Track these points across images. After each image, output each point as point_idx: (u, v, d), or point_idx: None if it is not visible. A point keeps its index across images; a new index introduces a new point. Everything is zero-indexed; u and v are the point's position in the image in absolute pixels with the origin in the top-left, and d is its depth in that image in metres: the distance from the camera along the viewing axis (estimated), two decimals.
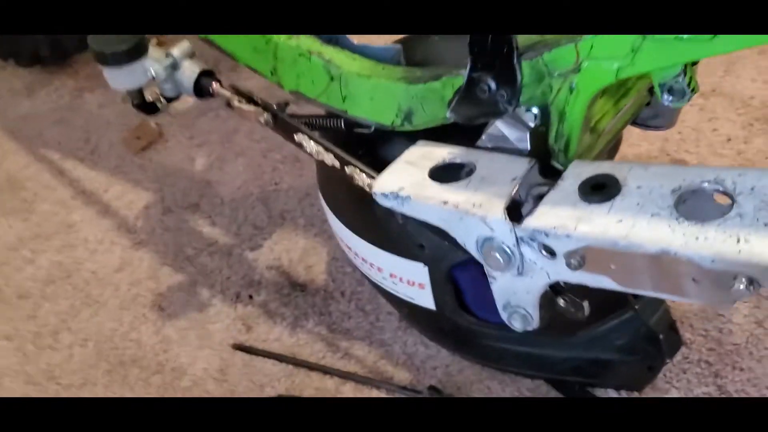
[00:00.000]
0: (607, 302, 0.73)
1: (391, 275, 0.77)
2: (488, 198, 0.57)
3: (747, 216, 0.46)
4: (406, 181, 0.61)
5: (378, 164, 0.66)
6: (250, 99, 0.71)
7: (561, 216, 0.53)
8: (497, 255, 0.56)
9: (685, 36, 0.48)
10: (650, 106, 0.73)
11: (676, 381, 0.80)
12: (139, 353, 0.91)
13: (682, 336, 0.79)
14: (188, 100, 1.25)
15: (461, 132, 0.65)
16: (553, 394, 0.81)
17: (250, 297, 0.95)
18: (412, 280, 0.76)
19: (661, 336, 0.73)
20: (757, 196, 0.47)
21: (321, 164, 0.83)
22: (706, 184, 0.50)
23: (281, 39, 0.69)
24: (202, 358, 0.90)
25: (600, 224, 0.50)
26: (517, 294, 0.59)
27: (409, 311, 0.81)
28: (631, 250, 0.49)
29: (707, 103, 1.08)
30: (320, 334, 0.90)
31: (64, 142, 1.23)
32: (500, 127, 0.61)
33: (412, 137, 0.67)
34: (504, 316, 0.62)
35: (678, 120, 0.76)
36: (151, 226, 1.06)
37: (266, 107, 0.70)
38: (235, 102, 0.71)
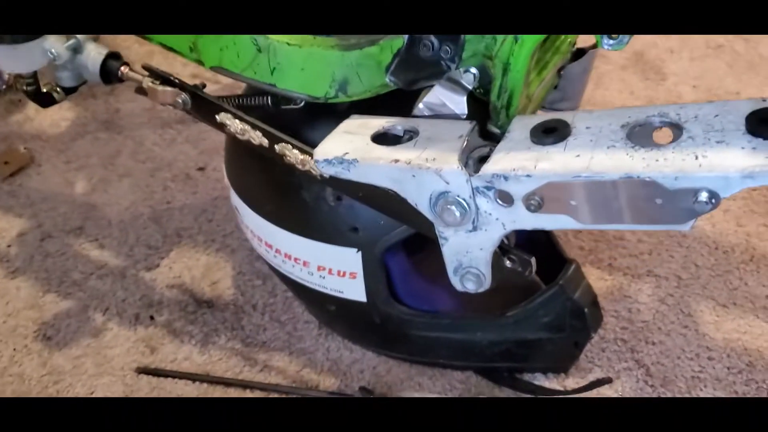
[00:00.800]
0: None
1: (318, 268, 0.74)
2: (440, 152, 0.56)
3: (698, 137, 0.49)
4: (349, 147, 0.60)
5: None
6: (166, 80, 0.66)
7: (519, 158, 0.53)
8: (453, 209, 0.56)
9: None
10: (558, 89, 0.76)
11: (598, 360, 0.82)
12: (23, 388, 0.80)
13: None
14: (60, 124, 1.17)
15: (390, 108, 0.65)
16: (483, 384, 0.80)
17: (151, 318, 0.87)
18: (342, 270, 0.73)
19: (586, 310, 0.75)
20: (702, 121, 0.50)
21: (233, 156, 0.79)
22: (653, 118, 0.52)
23: None
24: (102, 386, 0.80)
25: (559, 161, 0.51)
26: (470, 252, 0.59)
27: (336, 309, 0.78)
28: (594, 179, 0.50)
29: None
30: (234, 349, 0.84)
31: None
32: (437, 92, 0.62)
33: (341, 117, 0.66)
34: (455, 281, 0.61)
35: None
36: (29, 254, 0.95)
37: (183, 87, 0.66)
38: (149, 84, 0.66)
